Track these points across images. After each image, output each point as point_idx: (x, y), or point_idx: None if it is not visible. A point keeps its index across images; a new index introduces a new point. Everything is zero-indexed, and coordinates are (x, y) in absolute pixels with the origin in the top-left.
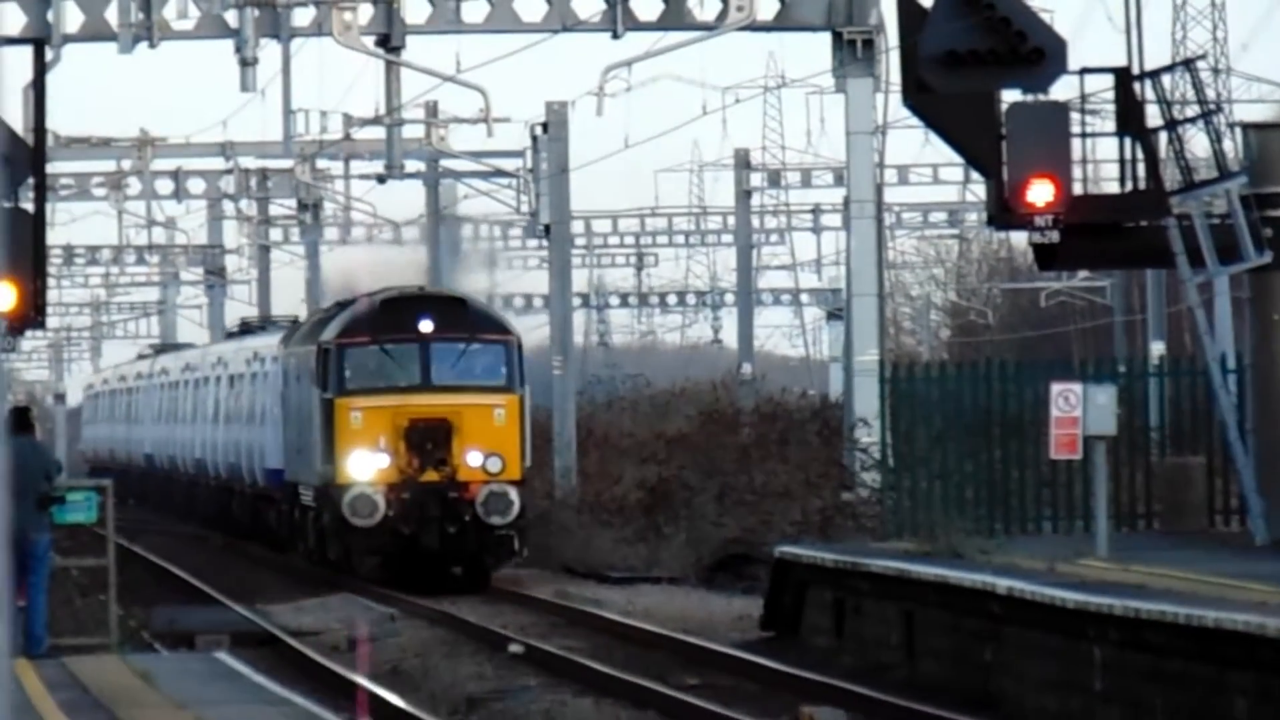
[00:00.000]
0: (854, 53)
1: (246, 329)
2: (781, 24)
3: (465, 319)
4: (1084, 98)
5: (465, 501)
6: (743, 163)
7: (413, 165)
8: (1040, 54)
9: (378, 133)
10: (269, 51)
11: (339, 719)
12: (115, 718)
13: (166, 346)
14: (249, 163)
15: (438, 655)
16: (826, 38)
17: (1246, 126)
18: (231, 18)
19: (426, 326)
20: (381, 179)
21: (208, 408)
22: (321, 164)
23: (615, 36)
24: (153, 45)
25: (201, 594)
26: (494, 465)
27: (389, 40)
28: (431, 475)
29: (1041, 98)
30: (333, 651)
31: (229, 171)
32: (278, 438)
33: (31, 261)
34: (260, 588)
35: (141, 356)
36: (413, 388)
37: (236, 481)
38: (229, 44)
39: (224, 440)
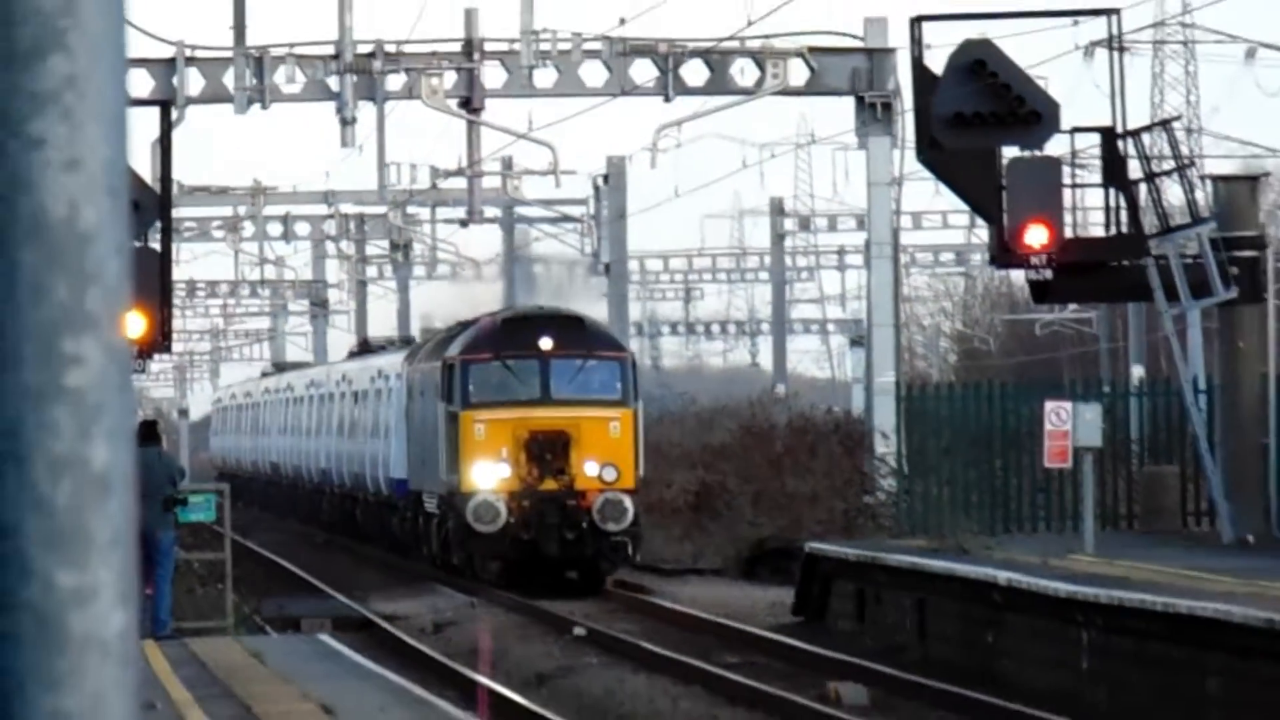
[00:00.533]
0: (874, 114)
1: (367, 348)
2: (811, 90)
3: (583, 337)
4: (1074, 154)
5: (582, 509)
6: (777, 210)
7: (491, 211)
8: (1037, 116)
9: (460, 183)
10: (366, 112)
11: (464, 712)
12: (231, 692)
13: (289, 365)
14: (348, 209)
15: (512, 637)
16: (850, 101)
17: (1216, 179)
18: (333, 83)
19: (546, 344)
20: (464, 223)
21: (332, 421)
22: (411, 210)
23: (667, 100)
24: (265, 107)
25: (307, 584)
26: (609, 474)
27: (470, 102)
28: (550, 484)
29: (1037, 153)
30: (420, 634)
31: (330, 216)
32: (401, 449)
33: (159, 294)
34: (358, 579)
35: (265, 374)
36: (533, 401)
37: (360, 490)
38: (331, 105)
39: (348, 451)
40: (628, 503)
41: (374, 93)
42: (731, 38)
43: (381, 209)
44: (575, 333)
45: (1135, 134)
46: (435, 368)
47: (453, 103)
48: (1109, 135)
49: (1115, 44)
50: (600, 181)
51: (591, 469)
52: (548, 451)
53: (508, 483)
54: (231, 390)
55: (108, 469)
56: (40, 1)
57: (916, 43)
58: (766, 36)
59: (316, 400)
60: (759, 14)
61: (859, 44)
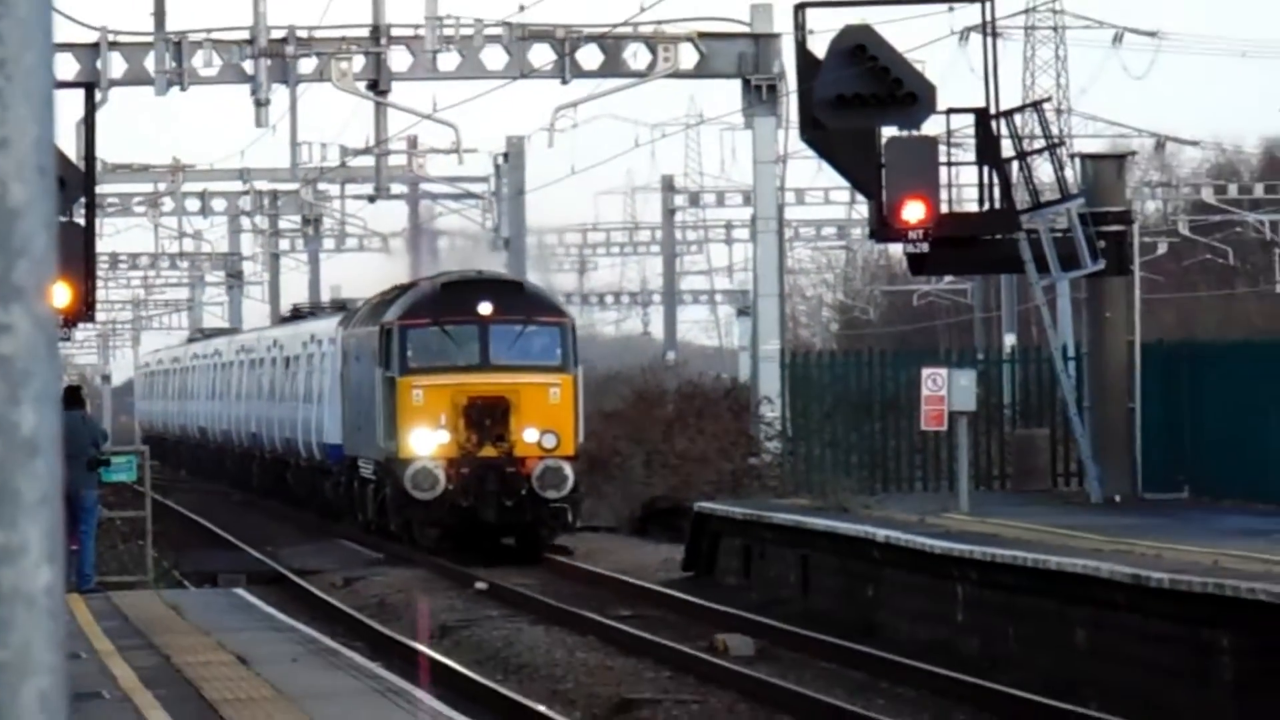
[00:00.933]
0: (760, 96)
1: (298, 314)
2: (700, 73)
3: (522, 302)
4: (949, 133)
5: (522, 476)
6: (668, 186)
7: (397, 188)
8: (913, 97)
9: (368, 161)
10: (279, 94)
11: (371, 661)
12: (151, 643)
13: (217, 330)
14: (262, 185)
15: (417, 591)
16: (737, 84)
17: (1084, 157)
18: (248, 66)
19: (485, 309)
20: (371, 199)
21: (263, 386)
22: (322, 187)
23: (564, 82)
24: (183, 89)
25: (224, 541)
26: (549, 441)
27: (377, 85)
28: (490, 450)
29: (914, 133)
30: (330, 588)
31: (246, 193)
32: (336, 415)
33: (83, 267)
34: (272, 536)
35: (192, 339)
36: (472, 367)
37: (292, 455)
38: (246, 88)
39: (279, 416)
40: (567, 470)
41: (287, 76)
42: (625, 23)
43: (294, 186)
44: (514, 298)
45: (1008, 115)
46: (372, 333)
47: (361, 85)
48: (982, 116)
49: (989, 29)
50: (501, 160)
51: (531, 436)
52: (487, 418)
53: (446, 449)
54: (158, 356)
55: (35, 432)
56: None
57: (800, 28)
58: (658, 22)
59: (246, 365)
60: (651, 1)
61: (745, 29)
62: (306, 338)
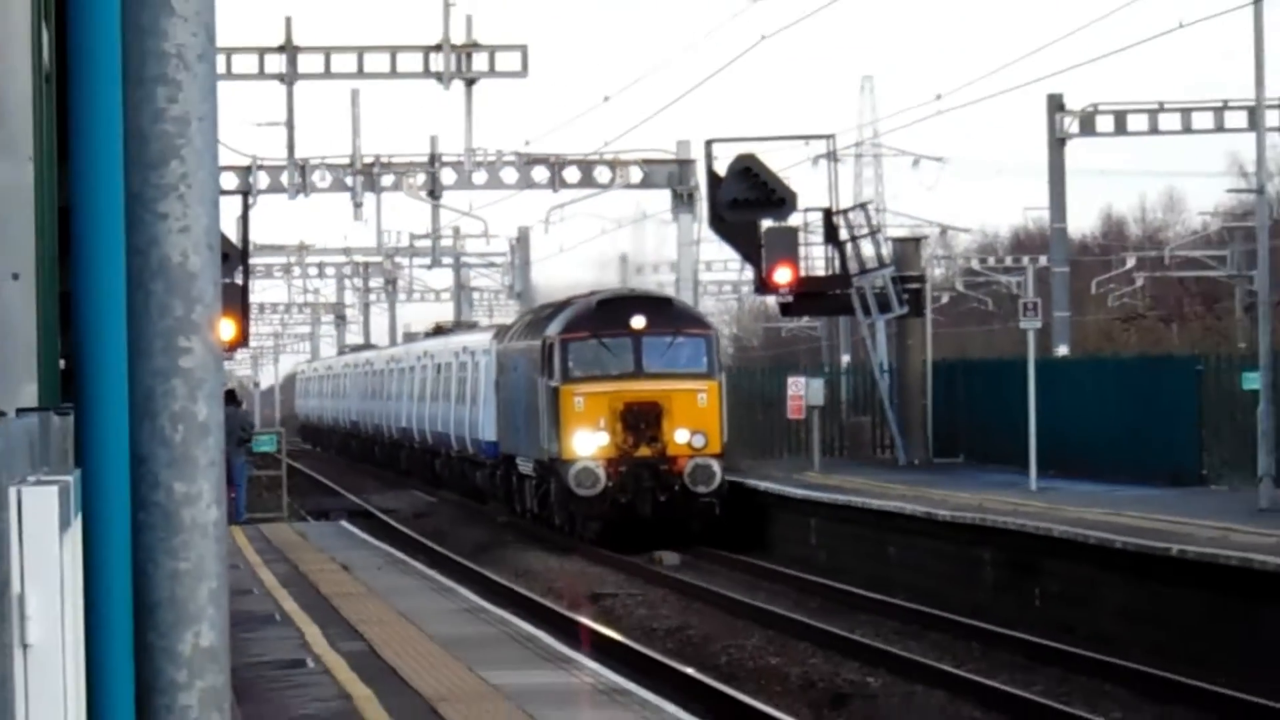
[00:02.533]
0: (683, 201)
1: (441, 330)
2: (644, 185)
3: (670, 315)
4: (806, 224)
5: (674, 473)
6: (622, 260)
7: (446, 260)
8: (782, 201)
9: (426, 242)
10: (369, 199)
11: (429, 568)
12: (285, 558)
13: (361, 346)
14: (358, 258)
15: (461, 523)
16: (668, 192)
17: (894, 240)
18: (349, 180)
19: (638, 322)
20: (429, 267)
21: (414, 389)
22: (397, 259)
23: (554, 191)
24: (305, 195)
25: (334, 491)
26: (699, 441)
27: (434, 193)
28: (645, 451)
29: (783, 224)
30: (404, 520)
31: (347, 263)
32: (491, 416)
33: (241, 311)
34: (368, 486)
35: (343, 353)
36: (627, 375)
37: (443, 446)
38: (348, 195)
39: (430, 413)
40: (716, 467)
41: (374, 187)
42: (594, 153)
43: (379, 258)
44: (664, 312)
45: (843, 212)
46: (531, 346)
47: (423, 193)
48: (827, 213)
49: (831, 156)
50: (514, 241)
51: (682, 436)
52: (642, 421)
53: (605, 450)
54: (314, 366)
55: (206, 419)
56: (166, 126)
57: (708, 157)
58: (616, 153)
59: (396, 372)
60: (612, 138)
61: (673, 157)
62: (459, 349)
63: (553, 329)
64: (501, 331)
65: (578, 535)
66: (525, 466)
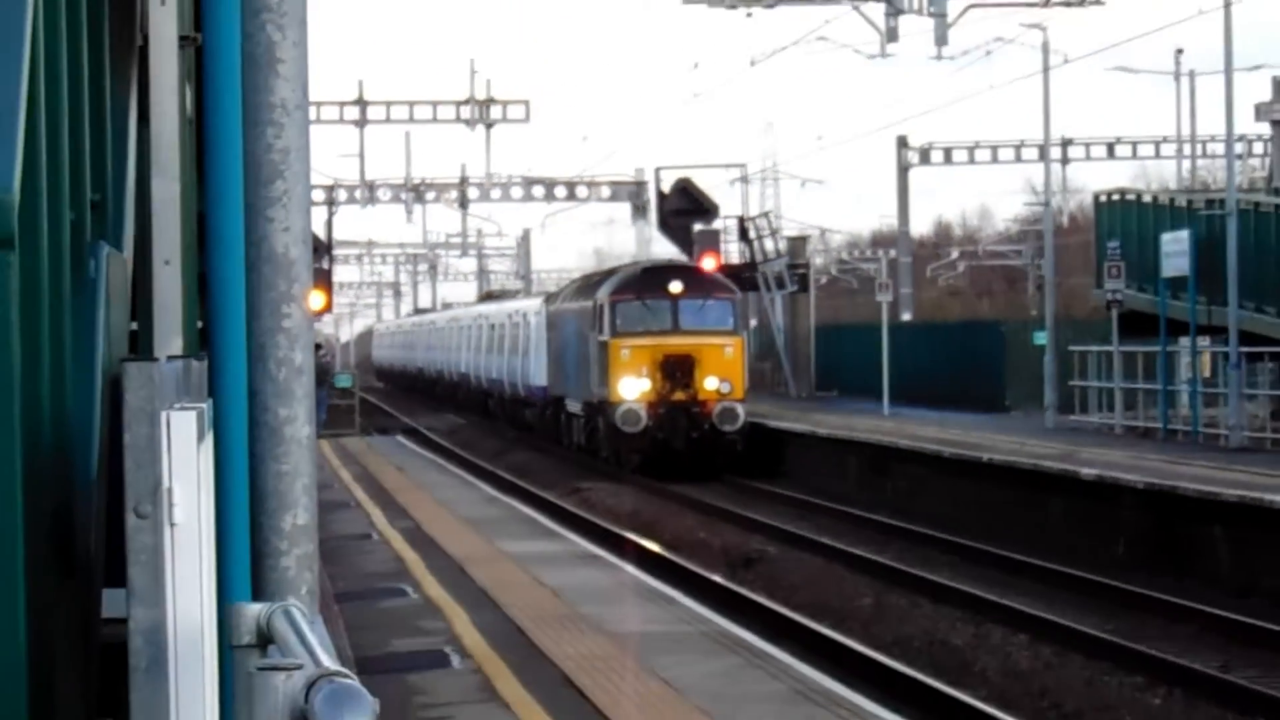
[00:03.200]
0: (642, 211)
1: (491, 296)
2: (612, 199)
3: (702, 282)
4: (725, 227)
5: (705, 415)
6: (596, 253)
7: (471, 253)
8: (709, 210)
9: (458, 239)
10: (418, 209)
11: (460, 469)
12: (357, 462)
13: (426, 309)
14: (410, 251)
15: (482, 435)
16: (629, 204)
17: (788, 238)
18: (403, 195)
19: (676, 287)
20: (460, 256)
21: (470, 341)
22: (438, 251)
23: (548, 203)
24: (373, 205)
25: (392, 415)
26: (725, 388)
27: (463, 204)
28: (680, 395)
29: (709, 227)
30: (443, 435)
31: (402, 254)
32: (541, 365)
33: (326, 288)
34: (419, 412)
35: (411, 315)
36: (666, 331)
37: (497, 389)
38: (402, 206)
39: (484, 362)
40: (740, 410)
41: (421, 200)
42: (576, 176)
43: (424, 250)
44: (697, 279)
45: (752, 219)
46: (581, 307)
47: (455, 204)
48: (740, 219)
49: (743, 178)
50: (519, 239)
51: (711, 384)
52: (678, 370)
53: (646, 394)
54: (386, 325)
55: (302, 364)
56: (273, 156)
57: (657, 179)
58: (592, 176)
59: (455, 329)
60: (589, 165)
61: (632, 179)
62: (511, 311)
63: (603, 292)
64: (551, 296)
65: (622, 465)
66: (574, 407)
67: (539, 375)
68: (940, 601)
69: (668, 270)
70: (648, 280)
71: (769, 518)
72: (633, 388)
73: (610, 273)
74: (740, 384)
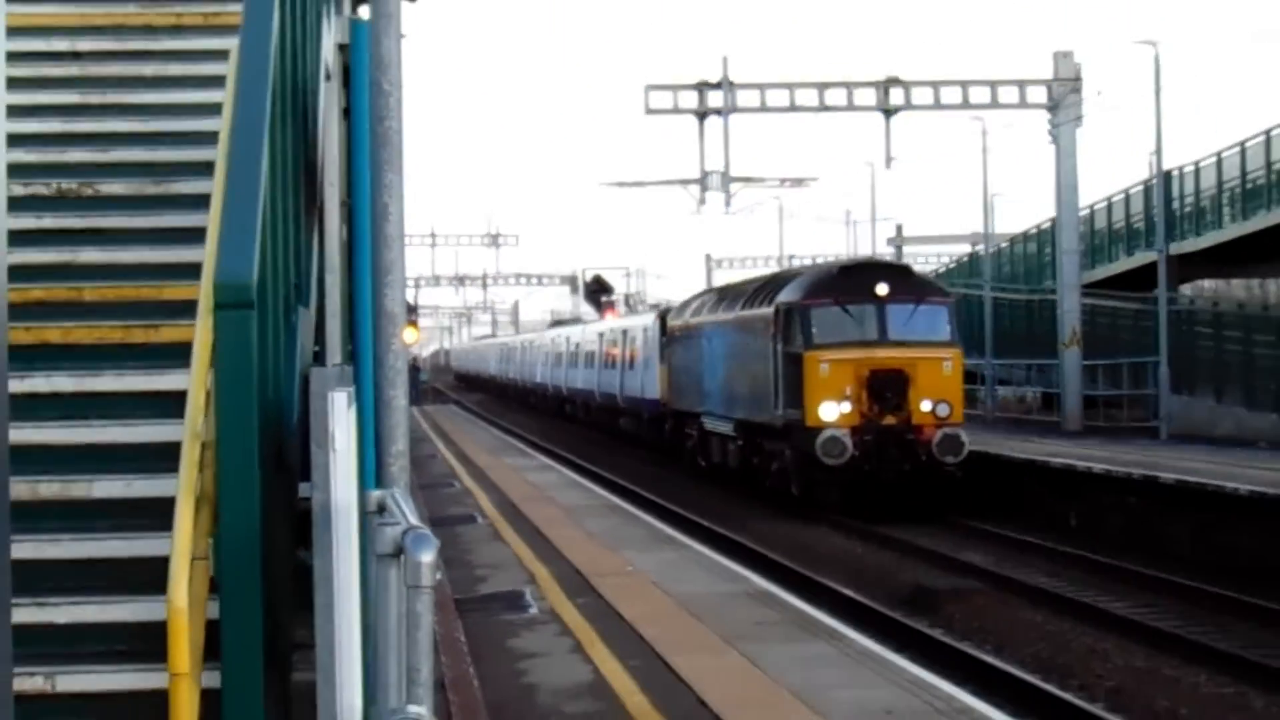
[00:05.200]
0: (576, 289)
1: (559, 323)
2: (561, 285)
3: (912, 284)
4: (616, 300)
5: (921, 443)
6: (552, 313)
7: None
8: (609, 290)
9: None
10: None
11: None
12: (439, 427)
13: (491, 336)
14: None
15: (513, 411)
16: (566, 288)
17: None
18: (451, 283)
19: (882, 289)
20: (483, 312)
21: (549, 357)
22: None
23: (528, 287)
24: (437, 285)
25: (453, 399)
26: (943, 410)
27: (485, 286)
28: (890, 419)
29: (610, 298)
30: (482, 407)
31: (455, 313)
32: (653, 379)
33: (415, 324)
34: (468, 396)
35: (482, 338)
36: (872, 342)
37: (578, 396)
38: (453, 288)
39: (564, 374)
40: (964, 437)
41: (462, 283)
42: (541, 273)
43: (464, 310)
44: (904, 280)
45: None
46: (733, 318)
47: (481, 287)
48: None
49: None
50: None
51: (927, 405)
52: (888, 389)
53: (849, 417)
54: (462, 346)
55: (401, 367)
56: (386, 261)
57: (583, 274)
58: (550, 272)
59: (528, 348)
60: (548, 265)
61: (571, 274)
62: (604, 330)
63: (790, 295)
64: (667, 312)
65: (817, 502)
66: (719, 426)
67: (650, 388)
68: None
69: (871, 269)
70: (848, 281)
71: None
72: (833, 410)
73: (785, 276)
74: (960, 405)
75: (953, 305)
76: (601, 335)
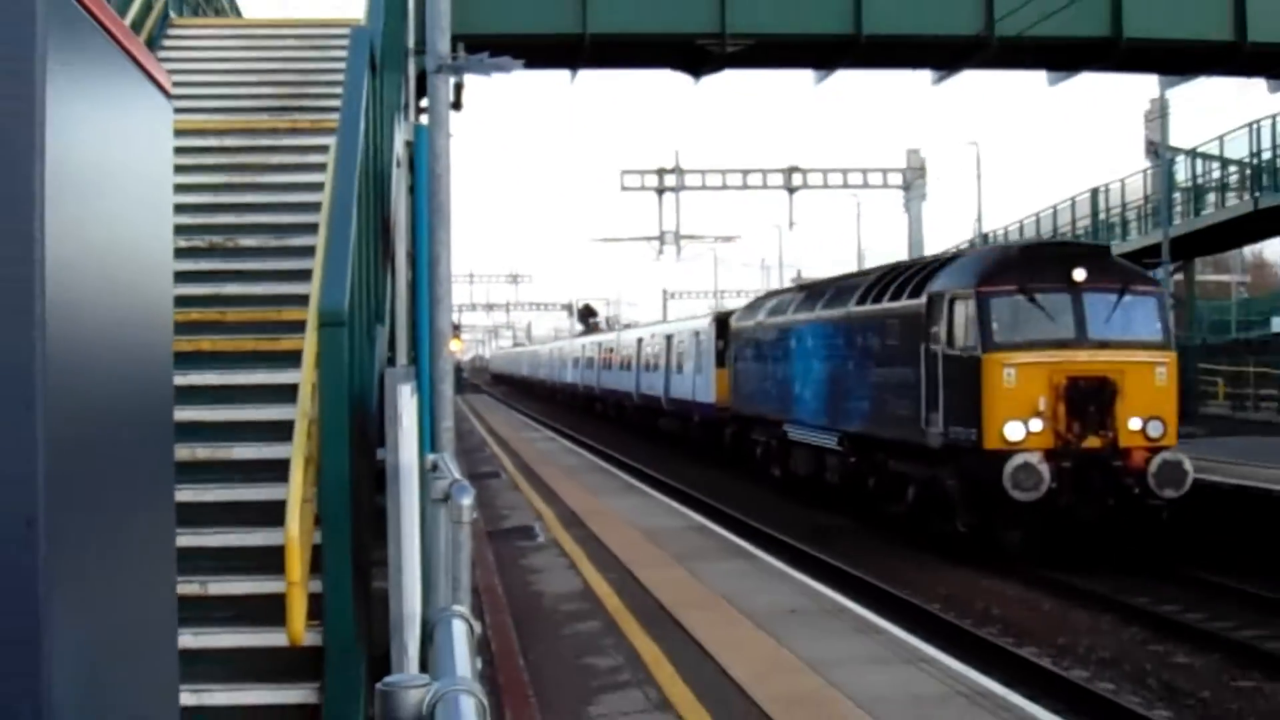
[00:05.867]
0: (572, 314)
1: (587, 331)
2: (560, 310)
3: (1114, 268)
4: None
5: (1131, 471)
6: (556, 331)
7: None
8: (595, 315)
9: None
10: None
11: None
12: (475, 410)
13: (532, 341)
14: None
15: (533, 399)
16: (564, 312)
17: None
18: (480, 309)
19: (1079, 275)
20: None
21: (582, 361)
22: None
23: (535, 313)
24: (474, 310)
25: (487, 391)
26: (1155, 430)
27: (508, 311)
28: (1093, 441)
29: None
30: (502, 394)
31: (486, 330)
32: (707, 382)
33: (459, 337)
34: (501, 390)
35: (550, 340)
36: (1068, 343)
37: (613, 397)
38: (482, 312)
39: (597, 377)
40: (1187, 464)
41: (491, 309)
42: (541, 302)
43: (491, 327)
44: (1105, 264)
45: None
46: (842, 314)
47: (506, 312)
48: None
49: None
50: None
51: (1135, 424)
52: (1090, 403)
53: (1041, 439)
54: (497, 352)
55: (448, 369)
56: (439, 292)
57: (576, 302)
58: (550, 301)
59: (558, 352)
60: (549, 295)
61: (568, 302)
62: (649, 334)
63: (952, 281)
64: (727, 315)
65: (991, 544)
66: (810, 436)
67: (702, 392)
68: None
69: (1061, 250)
70: (1032, 264)
71: None
72: (1020, 430)
73: (943, 261)
74: (1175, 423)
75: (1165, 296)
76: (640, 340)
